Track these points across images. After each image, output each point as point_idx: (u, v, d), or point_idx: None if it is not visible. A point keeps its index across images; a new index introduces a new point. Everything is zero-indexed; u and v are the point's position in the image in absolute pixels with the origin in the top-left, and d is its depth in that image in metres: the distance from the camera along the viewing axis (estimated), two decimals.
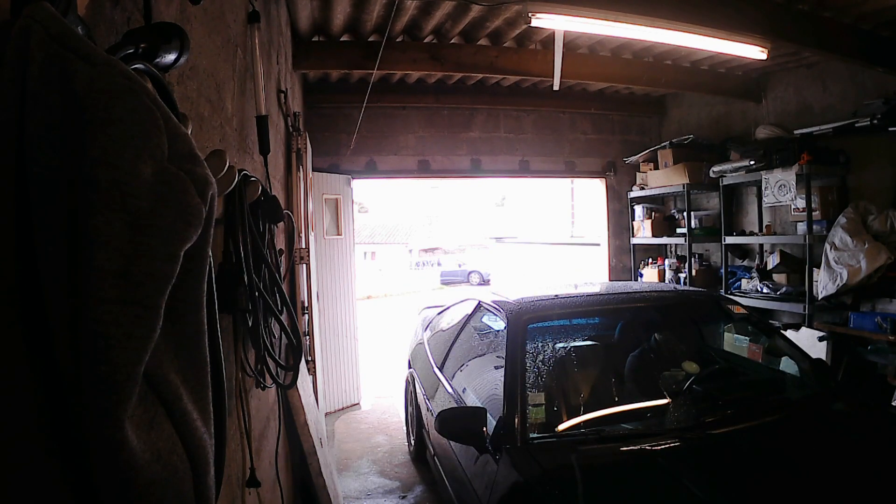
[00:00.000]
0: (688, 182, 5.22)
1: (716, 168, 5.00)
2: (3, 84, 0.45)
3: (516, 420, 2.01)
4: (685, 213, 5.35)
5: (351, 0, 3.57)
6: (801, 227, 4.29)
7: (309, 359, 3.60)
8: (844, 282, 3.76)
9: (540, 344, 2.41)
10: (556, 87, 4.32)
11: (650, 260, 6.09)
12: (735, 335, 3.06)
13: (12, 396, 0.46)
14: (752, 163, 4.60)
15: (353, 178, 5.54)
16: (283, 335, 1.83)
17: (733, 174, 4.84)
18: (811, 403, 2.29)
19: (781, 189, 4.26)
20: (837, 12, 3.53)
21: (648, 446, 1.86)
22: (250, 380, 1.82)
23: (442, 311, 4.20)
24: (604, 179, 6.25)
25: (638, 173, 6.04)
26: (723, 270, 5.06)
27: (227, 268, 1.44)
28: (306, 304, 3.57)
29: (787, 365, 2.61)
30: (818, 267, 4.03)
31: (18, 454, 0.46)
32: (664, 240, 5.76)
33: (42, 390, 0.47)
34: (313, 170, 4.64)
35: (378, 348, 8.58)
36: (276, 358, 1.82)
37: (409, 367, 4.19)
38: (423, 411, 3.47)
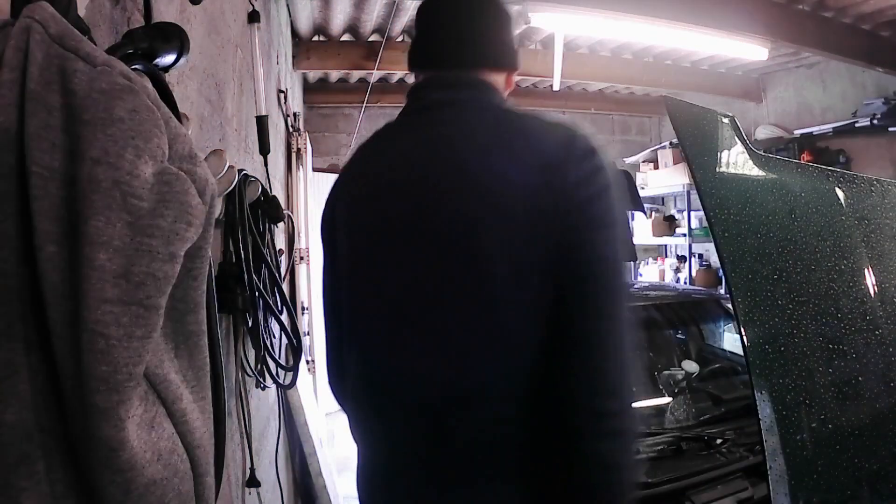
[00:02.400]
0: (688, 182, 5.22)
1: None
2: (3, 84, 0.45)
3: None
4: (685, 213, 5.35)
5: (351, 0, 3.57)
6: None
7: (309, 359, 3.60)
8: None
9: None
10: (555, 87, 4.32)
11: (650, 260, 6.09)
12: (735, 334, 3.06)
13: (12, 396, 0.46)
14: None
15: None
16: (284, 335, 1.83)
17: None
18: None
19: None
20: (837, 12, 3.53)
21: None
22: (250, 380, 1.82)
23: None
24: None
25: (638, 173, 6.04)
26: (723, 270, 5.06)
27: (227, 268, 1.44)
28: (306, 304, 3.57)
29: None
30: None
31: (18, 454, 0.46)
32: (664, 240, 5.76)
33: (42, 390, 0.47)
34: (313, 170, 4.64)
35: None
36: (276, 358, 1.82)
37: None
38: None
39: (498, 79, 1.04)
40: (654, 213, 5.96)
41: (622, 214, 0.88)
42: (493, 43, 1.05)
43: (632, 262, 5.88)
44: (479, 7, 1.06)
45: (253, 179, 1.58)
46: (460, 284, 0.84)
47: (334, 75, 5.03)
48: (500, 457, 0.83)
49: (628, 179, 3.66)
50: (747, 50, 3.54)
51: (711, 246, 5.54)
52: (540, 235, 0.81)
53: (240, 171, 1.46)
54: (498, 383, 0.82)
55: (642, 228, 5.75)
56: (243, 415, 1.66)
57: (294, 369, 1.88)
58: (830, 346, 1.16)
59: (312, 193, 4.21)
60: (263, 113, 2.06)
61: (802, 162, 3.19)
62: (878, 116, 3.89)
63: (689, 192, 5.25)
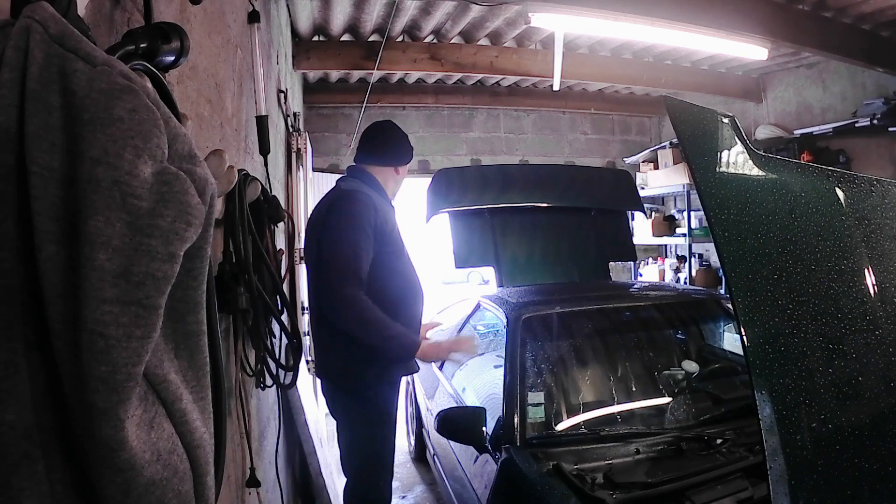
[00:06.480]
0: (688, 182, 5.22)
1: None
2: (3, 84, 0.45)
3: (516, 420, 2.01)
4: (685, 213, 5.35)
5: (351, 0, 3.57)
6: None
7: (309, 359, 3.60)
8: None
9: (539, 343, 2.41)
10: (555, 88, 4.33)
11: (650, 260, 6.09)
12: (735, 334, 3.06)
13: (12, 396, 0.46)
14: None
15: None
16: (284, 335, 1.83)
17: None
18: None
19: None
20: (837, 12, 3.53)
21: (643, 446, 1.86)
22: (250, 380, 1.82)
23: (441, 311, 4.20)
24: None
25: (638, 173, 6.04)
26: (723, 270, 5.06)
27: (227, 268, 1.44)
28: (306, 304, 3.56)
29: None
30: None
31: (18, 454, 0.46)
32: (664, 240, 5.76)
33: (42, 390, 0.47)
34: (313, 170, 4.64)
35: None
36: (277, 358, 1.82)
37: None
38: (423, 411, 3.47)
39: (379, 171, 2.24)
40: (654, 213, 5.96)
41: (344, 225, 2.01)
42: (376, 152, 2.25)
43: (632, 262, 5.88)
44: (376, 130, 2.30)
45: (253, 179, 1.58)
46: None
47: (334, 75, 5.03)
48: None
49: (628, 179, 3.67)
50: (747, 50, 3.54)
51: (711, 246, 5.55)
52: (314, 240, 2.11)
53: (240, 171, 1.46)
54: None
55: (642, 228, 5.76)
56: (243, 415, 1.66)
57: (294, 369, 1.88)
58: (830, 346, 1.15)
59: (312, 193, 4.21)
60: (263, 113, 2.06)
61: (802, 162, 3.19)
62: (878, 116, 3.90)
63: (689, 192, 5.25)
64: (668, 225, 5.78)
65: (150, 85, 0.57)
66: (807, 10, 3.47)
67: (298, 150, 3.71)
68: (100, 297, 0.45)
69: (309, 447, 2.92)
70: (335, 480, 3.12)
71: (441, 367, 3.25)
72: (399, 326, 2.02)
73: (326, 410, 2.53)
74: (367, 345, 2.00)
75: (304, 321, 3.53)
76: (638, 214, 6.00)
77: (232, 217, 1.43)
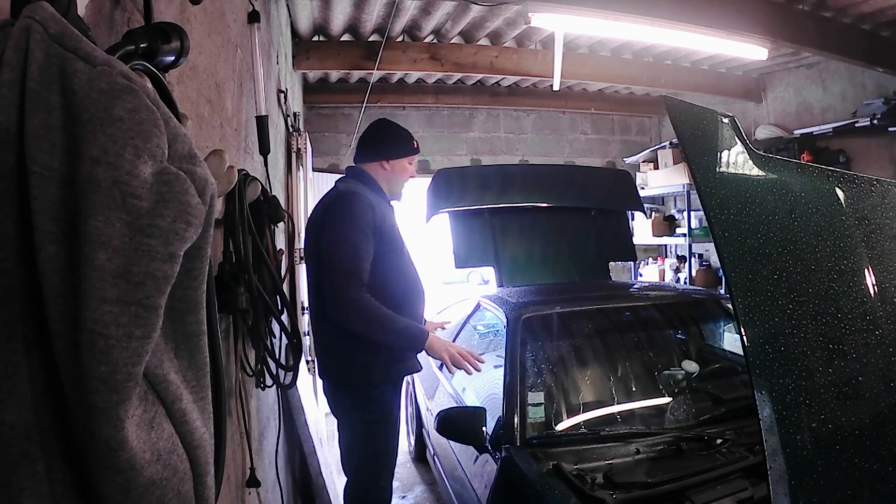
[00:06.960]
0: (688, 182, 5.21)
1: None
2: (3, 84, 0.45)
3: (516, 420, 2.01)
4: (685, 213, 5.35)
5: (351, 0, 3.57)
6: None
7: (309, 359, 3.60)
8: None
9: (539, 343, 2.40)
10: (555, 88, 4.33)
11: (650, 260, 6.09)
12: (735, 334, 3.06)
13: (12, 396, 0.46)
14: None
15: None
16: (284, 335, 1.83)
17: None
18: None
19: None
20: (837, 12, 3.53)
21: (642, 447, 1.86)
22: (250, 380, 1.82)
23: (441, 311, 4.20)
24: None
25: (638, 173, 6.04)
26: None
27: (227, 268, 1.44)
28: (306, 304, 3.56)
29: None
30: None
31: (19, 454, 0.46)
32: (664, 240, 5.76)
33: (42, 390, 0.47)
34: (313, 170, 4.64)
35: None
36: (277, 358, 1.82)
37: None
38: (423, 411, 3.47)
39: (375, 167, 2.25)
40: (654, 213, 5.96)
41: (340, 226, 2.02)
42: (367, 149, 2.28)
43: (632, 262, 5.88)
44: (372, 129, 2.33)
45: (253, 179, 1.58)
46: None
47: (334, 75, 5.03)
48: None
49: (628, 179, 3.67)
50: (747, 50, 3.54)
51: (711, 246, 5.54)
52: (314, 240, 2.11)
53: (240, 171, 1.46)
54: None
55: (642, 228, 5.75)
56: (243, 415, 1.66)
57: (294, 369, 1.88)
58: (830, 346, 1.15)
59: (312, 193, 4.21)
60: (263, 113, 2.06)
61: (802, 162, 3.19)
62: (878, 116, 3.90)
63: (689, 192, 5.25)
64: (668, 225, 5.78)
65: (150, 85, 0.57)
66: (807, 10, 3.47)
67: (298, 150, 3.71)
68: (100, 296, 0.45)
69: (309, 447, 2.92)
70: (335, 480, 3.12)
71: (441, 367, 3.25)
72: (405, 319, 2.05)
73: (326, 410, 2.53)
74: (376, 342, 2.02)
75: (304, 321, 3.53)
76: (638, 214, 6.00)
77: (232, 217, 1.43)
